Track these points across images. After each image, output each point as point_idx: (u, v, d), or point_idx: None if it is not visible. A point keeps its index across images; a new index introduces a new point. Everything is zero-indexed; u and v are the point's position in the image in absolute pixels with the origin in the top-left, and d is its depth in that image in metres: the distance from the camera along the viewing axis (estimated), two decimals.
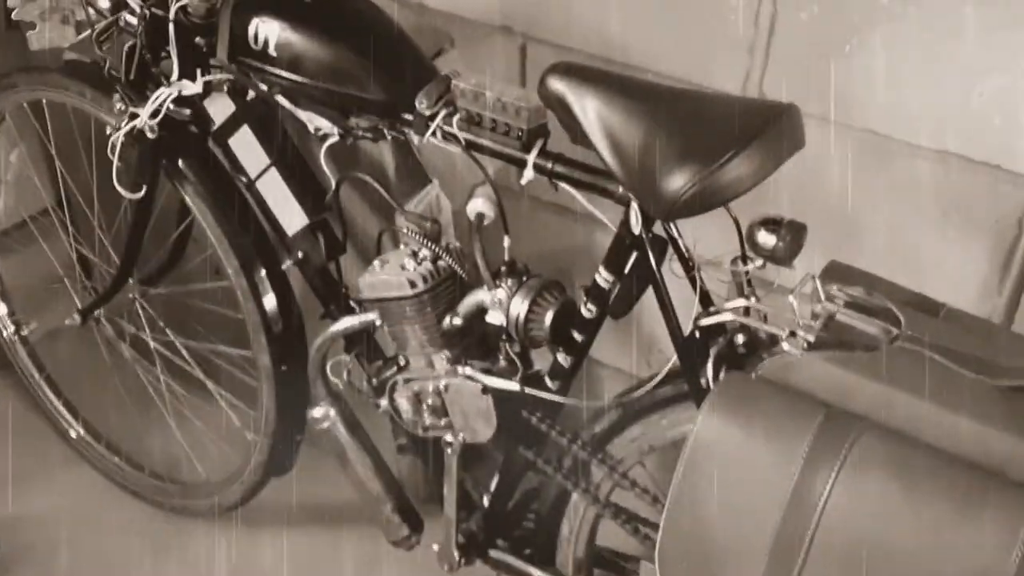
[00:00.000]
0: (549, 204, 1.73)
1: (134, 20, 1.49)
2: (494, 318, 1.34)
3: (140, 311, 1.87)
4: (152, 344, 1.90)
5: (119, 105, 1.52)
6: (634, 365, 1.85)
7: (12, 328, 2.11)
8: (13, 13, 1.32)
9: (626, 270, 1.25)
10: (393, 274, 1.38)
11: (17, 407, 2.19)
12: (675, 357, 1.24)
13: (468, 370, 1.38)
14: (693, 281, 1.23)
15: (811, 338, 1.08)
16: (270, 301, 1.62)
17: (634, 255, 1.24)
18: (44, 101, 1.79)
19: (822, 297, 1.12)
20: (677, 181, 1.08)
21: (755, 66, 1.51)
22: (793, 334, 1.09)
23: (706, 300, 1.24)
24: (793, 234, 1.15)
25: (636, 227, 1.20)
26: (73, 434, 2.07)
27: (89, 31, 1.45)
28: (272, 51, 1.35)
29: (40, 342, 2.15)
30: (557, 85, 1.19)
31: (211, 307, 1.80)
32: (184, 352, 1.88)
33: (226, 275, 1.65)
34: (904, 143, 1.43)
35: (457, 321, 1.39)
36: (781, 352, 1.08)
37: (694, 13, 1.52)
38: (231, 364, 1.83)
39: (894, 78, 1.40)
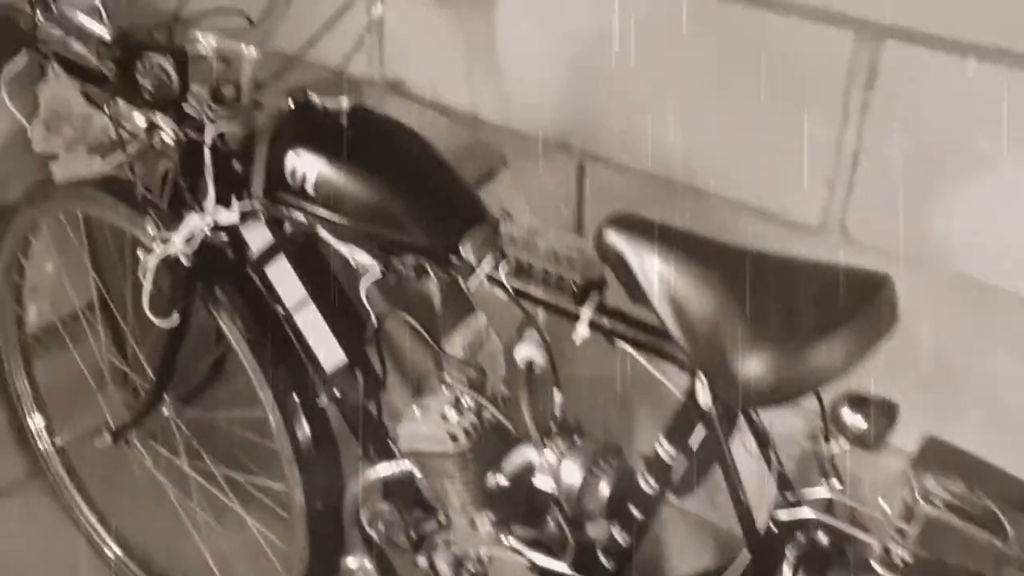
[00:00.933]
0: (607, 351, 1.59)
1: (170, 142, 1.40)
2: (543, 483, 1.22)
3: (175, 430, 1.77)
4: (186, 468, 1.80)
5: (152, 230, 1.43)
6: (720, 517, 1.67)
7: (48, 440, 2.03)
8: (34, 145, 1.24)
9: (692, 445, 1.11)
10: (433, 426, 1.27)
11: (50, 511, 2.10)
12: (745, 551, 1.09)
13: (514, 541, 1.25)
14: (768, 461, 1.09)
15: (908, 557, 0.93)
16: (305, 436, 1.51)
17: (701, 429, 1.10)
18: (79, 214, 1.72)
19: (917, 496, 0.98)
20: (754, 367, 0.94)
21: (835, 200, 1.37)
22: (887, 551, 0.94)
23: (784, 484, 1.09)
24: (884, 415, 1.01)
25: (703, 401, 1.07)
26: (110, 554, 1.98)
27: (121, 153, 1.36)
28: (310, 189, 1.25)
29: (75, 451, 2.06)
30: (615, 240, 1.06)
31: (249, 434, 1.69)
32: (219, 478, 1.77)
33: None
34: (1005, 291, 1.28)
35: (502, 481, 1.26)
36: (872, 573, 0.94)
37: (769, 138, 1.39)
38: (267, 495, 1.72)
39: (993, 221, 1.26)
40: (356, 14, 1.52)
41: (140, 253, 1.46)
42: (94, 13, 1.25)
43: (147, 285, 1.45)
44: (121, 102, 1.28)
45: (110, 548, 1.99)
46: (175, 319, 1.50)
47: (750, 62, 1.35)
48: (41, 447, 2.04)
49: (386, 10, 1.50)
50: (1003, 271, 1.27)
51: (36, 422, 2.03)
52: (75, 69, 1.27)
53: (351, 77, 1.34)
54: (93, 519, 2.02)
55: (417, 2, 1.61)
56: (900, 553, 0.93)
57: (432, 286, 1.46)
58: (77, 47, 1.26)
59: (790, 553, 1.05)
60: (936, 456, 1.03)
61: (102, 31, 1.25)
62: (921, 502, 0.97)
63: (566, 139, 1.59)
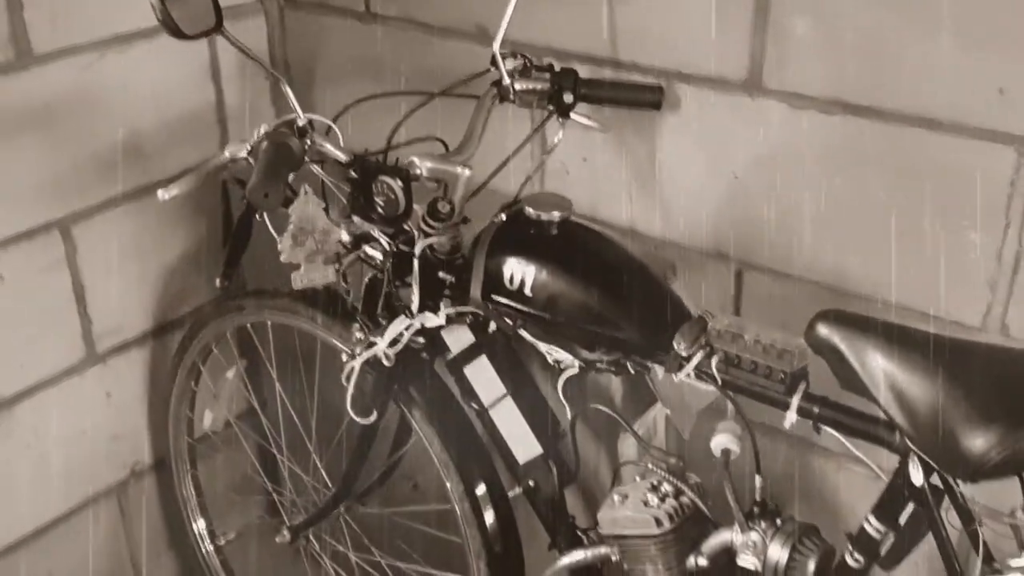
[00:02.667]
0: (800, 441, 1.70)
1: (376, 254, 1.55)
2: (746, 562, 1.31)
3: (344, 528, 1.87)
4: (354, 560, 1.89)
5: (359, 335, 1.56)
6: None
7: (210, 543, 2.13)
8: (281, 256, 1.39)
9: (901, 521, 1.21)
10: (637, 511, 1.37)
11: None
12: None
13: None
14: (974, 536, 1.18)
15: None
16: (493, 527, 1.61)
17: (910, 506, 1.20)
18: (269, 323, 1.86)
19: None
20: (982, 443, 1.05)
21: (997, 301, 1.48)
22: None
23: (988, 558, 1.18)
24: None
25: (918, 479, 1.17)
26: None
27: (339, 265, 1.51)
28: (528, 291, 1.38)
29: (234, 553, 2.16)
30: (828, 332, 1.18)
31: (420, 527, 1.79)
32: (389, 573, 1.86)
33: (437, 498, 1.66)
34: None
35: (703, 562, 1.35)
36: None
37: (931, 246, 1.51)
38: None
39: None
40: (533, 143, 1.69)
41: (343, 358, 1.60)
42: (332, 138, 1.41)
43: (351, 387, 1.58)
44: (355, 218, 1.44)
45: None
46: (373, 417, 1.62)
47: (911, 179, 1.49)
48: (204, 549, 2.13)
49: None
50: None
51: (199, 526, 2.13)
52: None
53: (555, 193, 1.48)
54: None
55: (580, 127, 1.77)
56: None
57: (615, 382, 1.59)
58: (317, 169, 1.42)
59: None
60: None
61: (341, 155, 1.41)
62: None
63: (724, 249, 1.73)
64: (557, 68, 1.60)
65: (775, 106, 1.59)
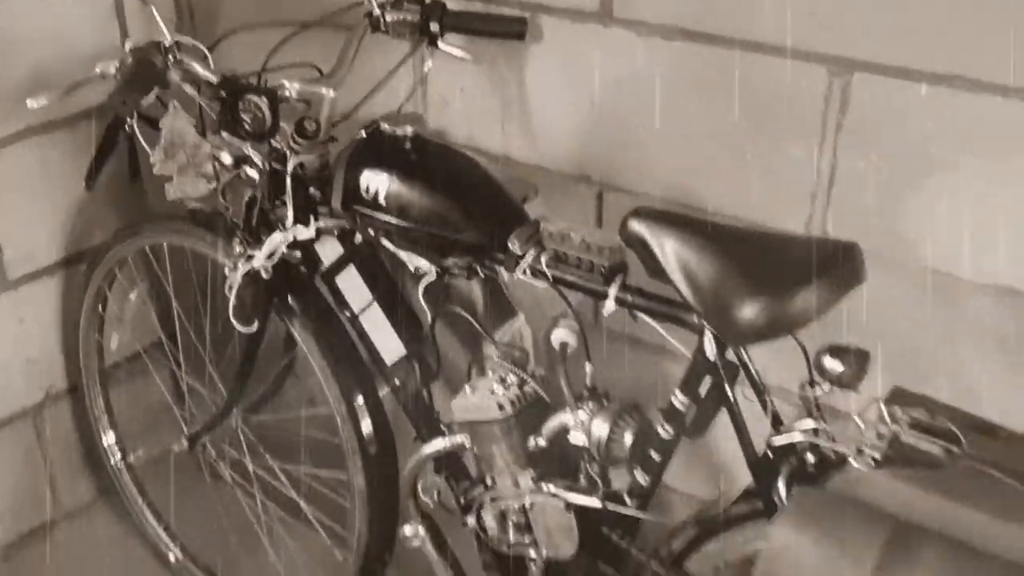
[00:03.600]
0: (625, 336, 1.85)
1: (254, 174, 1.67)
2: (576, 439, 1.45)
3: (241, 437, 2.00)
4: (251, 468, 2.02)
5: (238, 248, 1.69)
6: (704, 489, 1.91)
7: (120, 455, 2.25)
8: (154, 168, 1.51)
9: (701, 393, 1.36)
10: (483, 398, 1.51)
11: (118, 530, 2.32)
12: (749, 476, 1.33)
13: (552, 488, 1.48)
14: (764, 404, 1.33)
15: (878, 456, 1.17)
16: (367, 426, 1.75)
17: (708, 379, 1.34)
18: (165, 245, 1.98)
19: (887, 419, 1.21)
20: (749, 311, 1.20)
21: (817, 210, 1.63)
22: (861, 452, 1.18)
23: (776, 422, 1.33)
24: (858, 360, 1.25)
25: (711, 353, 1.31)
26: (171, 556, 2.18)
27: (216, 183, 1.63)
28: (382, 200, 1.51)
29: (144, 469, 2.29)
30: (638, 227, 1.33)
31: (307, 433, 1.92)
32: (281, 476, 2.00)
33: (323, 402, 1.79)
34: (963, 280, 1.53)
35: (541, 442, 1.50)
36: (850, 469, 1.17)
37: (760, 163, 1.66)
38: (324, 487, 1.94)
39: (951, 220, 1.51)
40: (407, 72, 1.81)
41: (227, 271, 1.73)
42: (204, 62, 1.53)
43: (232, 297, 1.71)
44: (224, 134, 1.56)
45: (174, 553, 2.19)
46: (255, 326, 1.75)
47: (742, 98, 1.64)
48: (113, 463, 2.25)
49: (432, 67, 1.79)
50: (961, 263, 1.53)
51: (109, 439, 2.25)
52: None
53: (413, 113, 1.61)
54: (160, 529, 2.23)
55: (456, 60, 1.89)
56: (871, 453, 1.17)
57: (477, 290, 1.72)
58: (190, 89, 1.54)
59: (783, 471, 1.28)
60: (902, 396, 1.27)
61: (210, 76, 1.53)
62: (889, 422, 1.21)
63: (587, 173, 1.86)
64: (427, 0, 1.71)
65: (624, 34, 1.73)
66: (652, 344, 1.87)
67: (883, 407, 1.22)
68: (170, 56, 1.49)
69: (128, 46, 1.47)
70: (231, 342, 1.96)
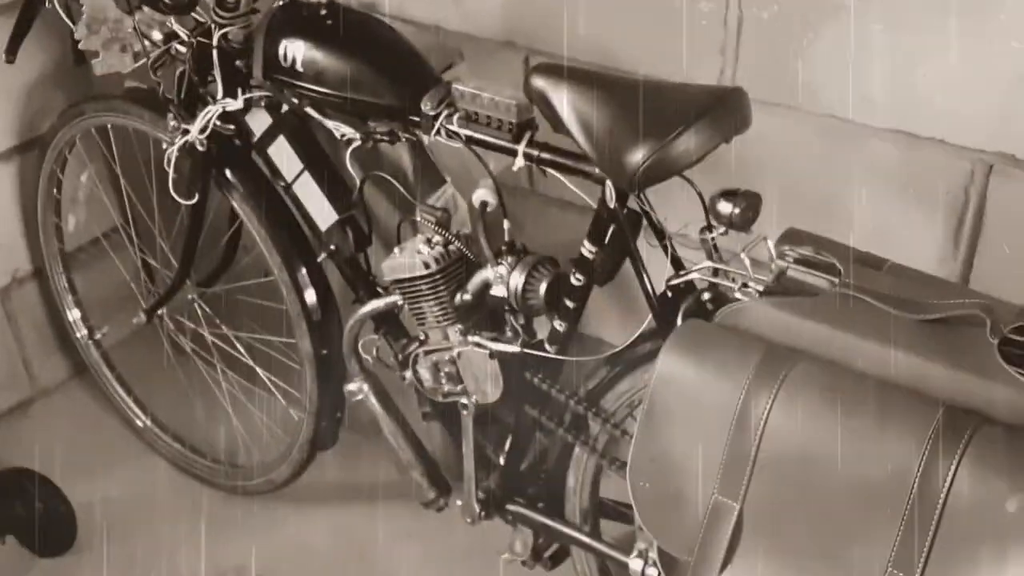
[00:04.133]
0: (540, 195, 1.93)
1: (183, 48, 1.72)
2: (497, 291, 1.53)
3: (198, 310, 2.09)
4: (209, 338, 2.12)
5: (172, 123, 1.75)
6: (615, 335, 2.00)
7: (86, 332, 2.35)
8: (79, 44, 1.56)
9: (606, 242, 1.43)
10: (410, 257, 1.59)
11: (92, 406, 2.44)
12: (650, 316, 1.42)
13: (476, 338, 1.57)
14: (665, 248, 1.42)
15: (760, 288, 1.26)
16: (310, 292, 1.83)
17: (612, 228, 1.42)
18: (109, 126, 2.03)
19: (773, 255, 1.29)
20: (637, 155, 1.27)
21: (727, 63, 1.69)
22: (745, 285, 1.27)
23: (677, 265, 1.42)
24: (749, 202, 1.33)
25: (611, 202, 1.39)
26: (140, 424, 2.30)
27: (145, 59, 1.68)
28: (299, 67, 1.56)
29: (112, 347, 2.39)
30: (539, 82, 1.38)
31: (259, 302, 2.01)
32: (236, 344, 2.10)
33: (271, 272, 1.87)
34: (861, 125, 1.60)
35: (467, 297, 1.58)
36: (735, 302, 1.26)
37: (672, 21, 1.70)
38: (278, 352, 2.04)
39: (849, 66, 1.57)
40: None
41: (164, 146, 1.79)
42: None
43: (171, 171, 1.78)
44: (145, 9, 1.60)
45: (141, 420, 2.31)
46: (195, 199, 1.82)
47: None
48: (80, 340, 2.35)
49: None
50: (857, 107, 1.59)
51: (74, 316, 2.34)
52: None
53: None
54: (129, 401, 2.34)
55: None
56: (755, 286, 1.26)
57: (406, 158, 1.78)
58: None
59: (683, 307, 1.37)
60: (795, 237, 1.34)
61: None
62: (776, 258, 1.29)
63: (513, 39, 1.91)
64: None
65: None
66: (563, 203, 1.95)
67: (769, 244, 1.30)
68: None
69: None
70: (180, 218, 2.04)
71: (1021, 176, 1.50)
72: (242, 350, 2.11)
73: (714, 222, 1.36)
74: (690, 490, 1.22)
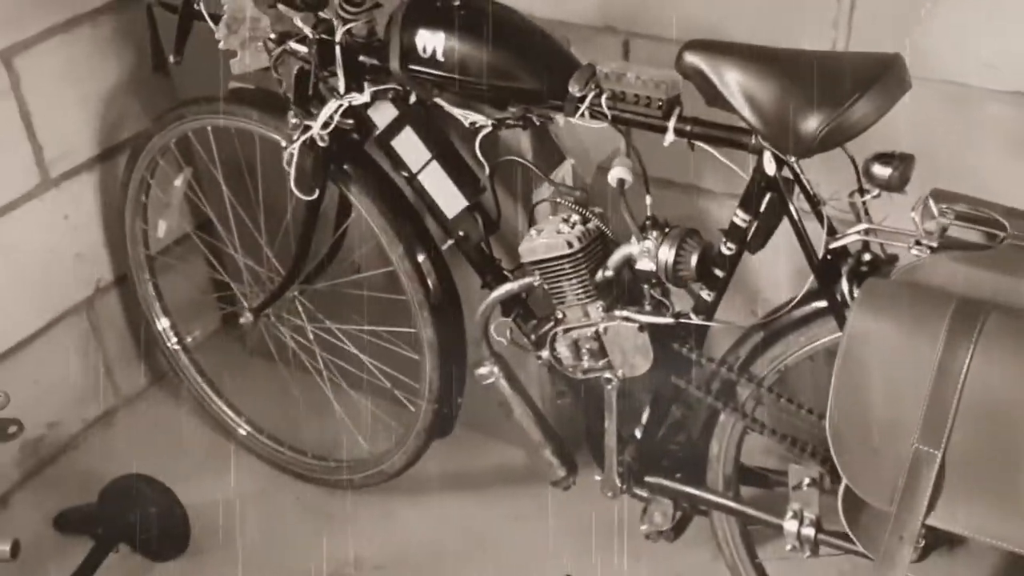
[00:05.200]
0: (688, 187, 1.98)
1: (300, 47, 1.73)
2: (644, 265, 1.57)
3: (300, 307, 2.11)
4: (311, 334, 2.13)
5: (294, 120, 1.77)
6: (741, 317, 2.06)
7: (175, 338, 2.35)
8: (220, 44, 1.58)
9: (761, 209, 1.48)
10: (551, 237, 1.62)
11: (178, 411, 2.44)
12: (811, 278, 1.46)
13: (625, 312, 1.61)
14: (819, 215, 1.46)
15: (934, 244, 1.31)
16: (433, 280, 1.86)
17: (768, 196, 1.47)
18: (209, 128, 2.04)
19: (935, 213, 1.34)
20: (813, 123, 1.31)
21: (840, 36, 1.74)
22: (918, 243, 1.32)
23: (831, 230, 1.46)
24: (904, 163, 1.38)
25: (771, 170, 1.43)
26: (242, 432, 2.31)
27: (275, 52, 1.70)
28: (440, 57, 1.59)
29: (199, 349, 2.40)
30: (694, 58, 1.42)
31: (363, 295, 2.03)
32: (342, 337, 2.11)
33: (372, 267, 1.89)
34: (981, 89, 1.65)
35: (609, 273, 1.62)
36: (910, 258, 1.31)
37: None
38: (386, 343, 2.06)
39: (967, 33, 1.63)
40: None
41: (283, 144, 1.81)
42: None
43: (292, 170, 1.80)
44: (280, 7, 1.62)
45: (242, 428, 2.32)
46: (315, 194, 1.84)
47: None
48: (169, 347, 2.35)
49: None
50: (974, 72, 1.65)
51: (163, 324, 2.34)
52: None
53: None
54: (222, 404, 2.35)
55: None
56: (927, 243, 1.31)
57: (525, 142, 1.81)
58: None
59: (844, 269, 1.42)
60: (943, 196, 1.39)
61: None
62: (937, 215, 1.34)
63: (612, 23, 1.94)
64: None
65: None
66: (683, 184, 2.00)
67: (932, 202, 1.35)
68: None
69: None
70: (280, 217, 2.06)
71: None
72: (347, 343, 2.12)
73: (867, 185, 1.41)
74: (890, 440, 1.27)
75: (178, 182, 2.13)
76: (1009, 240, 1.28)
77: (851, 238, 1.42)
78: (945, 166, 1.71)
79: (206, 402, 2.36)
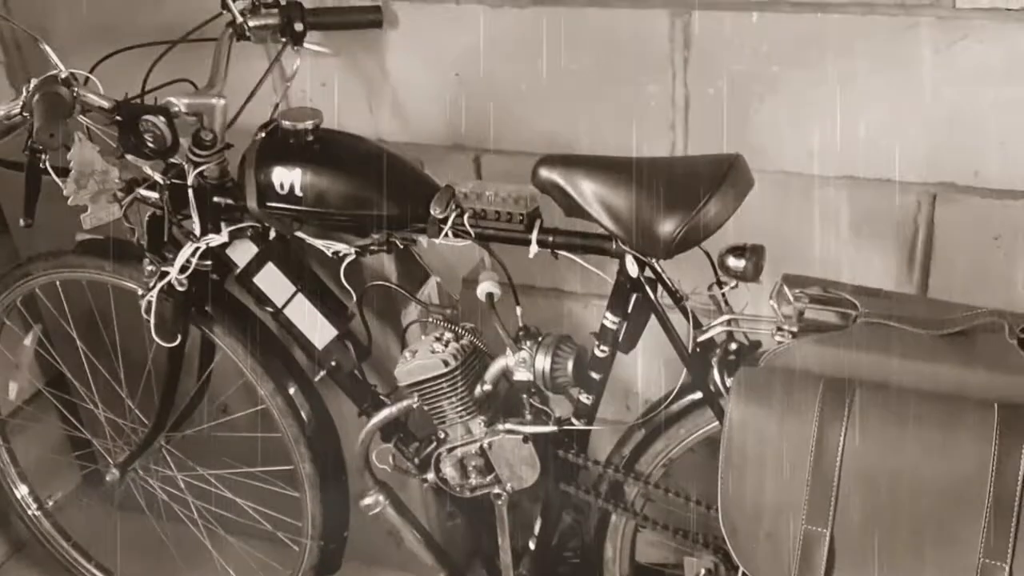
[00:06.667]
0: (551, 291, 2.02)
1: (151, 193, 1.71)
2: (521, 375, 1.58)
3: (168, 456, 2.03)
4: (182, 482, 2.05)
5: (150, 267, 1.73)
6: (621, 416, 2.10)
7: (35, 505, 2.22)
8: (68, 200, 1.54)
9: (628, 310, 1.52)
10: (426, 358, 1.62)
11: None
12: (684, 372, 1.51)
13: (508, 425, 1.62)
14: (684, 309, 1.51)
15: (795, 330, 1.37)
16: (306, 413, 1.83)
17: (633, 296, 1.51)
18: (58, 282, 1.97)
19: (790, 299, 1.41)
20: (670, 226, 1.37)
21: (678, 137, 1.83)
22: (780, 329, 1.38)
23: (696, 323, 1.51)
24: (756, 254, 1.45)
25: (634, 272, 1.48)
26: None
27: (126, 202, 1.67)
28: (298, 192, 1.59)
29: (61, 512, 2.27)
30: (549, 173, 1.47)
31: (232, 435, 1.98)
32: (215, 482, 2.04)
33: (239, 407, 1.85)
34: (813, 176, 1.77)
35: (487, 387, 1.63)
36: (775, 345, 1.37)
37: (623, 103, 1.83)
38: (260, 483, 2.00)
39: (794, 126, 1.74)
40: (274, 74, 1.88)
41: (139, 291, 1.76)
42: (94, 90, 1.56)
43: (152, 316, 1.75)
44: (129, 157, 1.59)
45: None
46: (177, 340, 1.79)
47: (598, 49, 1.81)
48: (30, 513, 2.22)
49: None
50: (806, 160, 1.76)
51: (21, 492, 2.21)
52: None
53: (303, 107, 1.68)
54: (91, 568, 2.22)
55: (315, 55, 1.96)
56: (790, 329, 1.37)
57: (388, 265, 1.82)
58: (82, 117, 1.57)
59: (713, 359, 1.47)
60: (794, 280, 1.47)
61: (104, 102, 1.56)
62: (793, 300, 1.41)
63: (461, 142, 1.99)
64: (284, 1, 1.78)
65: (477, 8, 1.86)
66: (547, 289, 2.05)
67: (786, 289, 1.42)
68: (72, 87, 1.51)
69: (30, 85, 1.48)
70: (140, 366, 1.99)
71: (962, 199, 1.70)
72: (220, 487, 2.05)
73: (724, 278, 1.47)
74: (780, 523, 1.31)
75: (27, 341, 2.04)
76: (862, 318, 1.35)
77: (716, 330, 1.47)
78: (793, 251, 1.81)
79: (75, 568, 2.23)
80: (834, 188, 1.77)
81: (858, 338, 1.34)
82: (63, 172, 1.55)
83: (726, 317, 1.48)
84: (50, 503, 2.23)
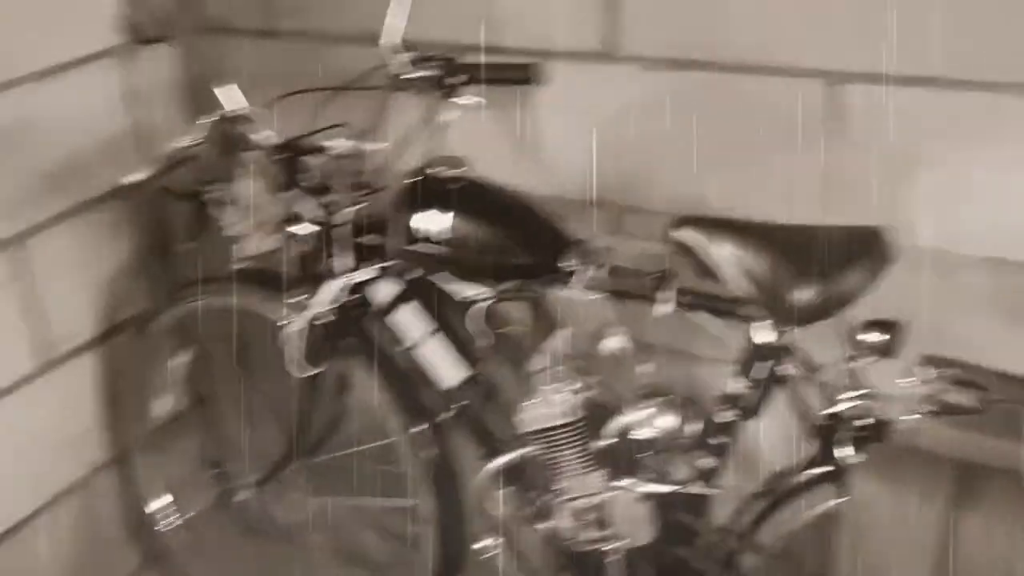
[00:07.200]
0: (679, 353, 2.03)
1: (300, 230, 1.80)
2: (643, 433, 1.59)
3: (299, 482, 2.10)
4: (310, 509, 2.12)
5: (298, 299, 1.82)
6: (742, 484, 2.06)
7: (170, 519, 2.33)
8: (230, 230, 1.65)
9: (757, 377, 1.51)
10: (550, 407, 1.65)
11: None
12: (809, 444, 1.49)
13: (627, 482, 1.62)
14: (815, 382, 1.49)
15: (929, 409, 1.34)
16: (432, 451, 1.87)
17: (763, 363, 1.50)
18: (210, 307, 2.08)
19: (928, 378, 1.38)
20: (807, 295, 1.37)
21: (822, 207, 1.81)
22: (913, 408, 1.35)
23: (827, 396, 1.49)
24: (895, 330, 1.43)
25: (766, 339, 1.48)
26: None
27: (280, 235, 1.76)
28: (440, 236, 1.65)
29: (191, 529, 2.37)
30: (685, 234, 1.49)
31: (360, 466, 2.03)
32: (342, 512, 2.10)
33: (374, 438, 1.91)
34: (959, 254, 1.72)
35: (608, 442, 1.64)
36: (906, 425, 1.34)
37: (769, 169, 1.83)
38: (388, 516, 2.05)
39: (942, 203, 1.71)
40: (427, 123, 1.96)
41: (284, 323, 1.85)
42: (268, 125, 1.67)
43: (298, 347, 1.83)
44: (290, 192, 1.69)
45: None
46: (316, 370, 1.87)
47: (743, 114, 1.82)
48: (164, 526, 2.33)
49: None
50: (953, 239, 1.72)
51: (157, 504, 2.33)
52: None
53: (450, 156, 1.75)
54: None
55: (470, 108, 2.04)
56: (922, 408, 1.34)
57: (523, 311, 1.85)
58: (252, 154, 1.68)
59: (842, 435, 1.45)
60: (935, 360, 1.44)
61: (274, 139, 1.66)
62: (930, 380, 1.38)
63: (605, 197, 2.03)
64: (442, 57, 1.86)
65: (628, 69, 1.90)
66: (675, 351, 2.04)
67: (924, 368, 1.39)
68: (245, 125, 1.62)
69: (208, 120, 1.60)
70: (278, 392, 2.07)
71: None
72: (346, 516, 2.11)
73: (859, 351, 1.45)
74: None
75: (179, 360, 2.16)
76: (995, 404, 1.31)
77: (847, 404, 1.45)
78: (932, 330, 1.76)
79: None
80: (980, 268, 1.72)
81: (991, 423, 1.30)
82: (224, 203, 1.65)
83: (859, 392, 1.45)
84: (183, 519, 2.33)
